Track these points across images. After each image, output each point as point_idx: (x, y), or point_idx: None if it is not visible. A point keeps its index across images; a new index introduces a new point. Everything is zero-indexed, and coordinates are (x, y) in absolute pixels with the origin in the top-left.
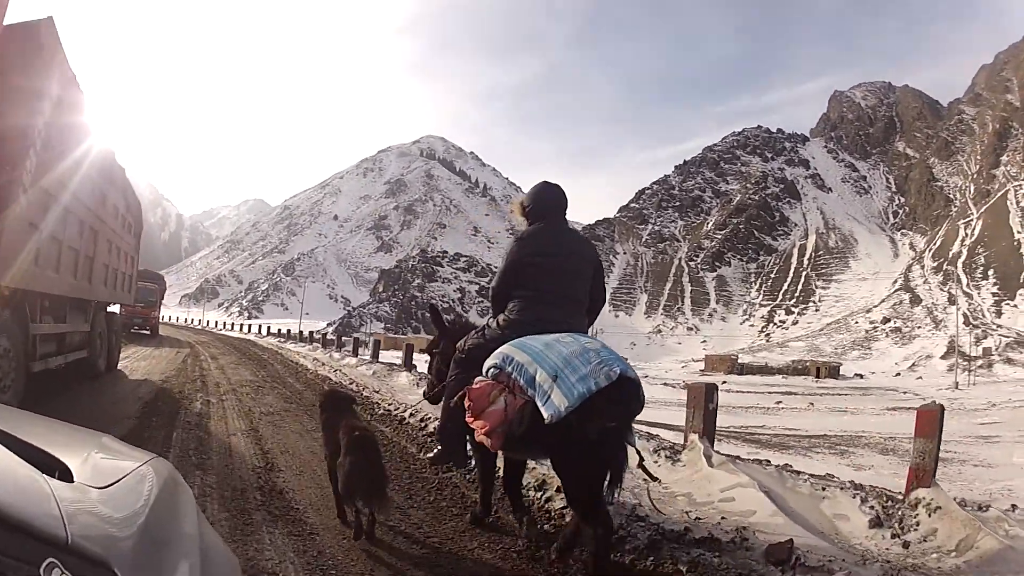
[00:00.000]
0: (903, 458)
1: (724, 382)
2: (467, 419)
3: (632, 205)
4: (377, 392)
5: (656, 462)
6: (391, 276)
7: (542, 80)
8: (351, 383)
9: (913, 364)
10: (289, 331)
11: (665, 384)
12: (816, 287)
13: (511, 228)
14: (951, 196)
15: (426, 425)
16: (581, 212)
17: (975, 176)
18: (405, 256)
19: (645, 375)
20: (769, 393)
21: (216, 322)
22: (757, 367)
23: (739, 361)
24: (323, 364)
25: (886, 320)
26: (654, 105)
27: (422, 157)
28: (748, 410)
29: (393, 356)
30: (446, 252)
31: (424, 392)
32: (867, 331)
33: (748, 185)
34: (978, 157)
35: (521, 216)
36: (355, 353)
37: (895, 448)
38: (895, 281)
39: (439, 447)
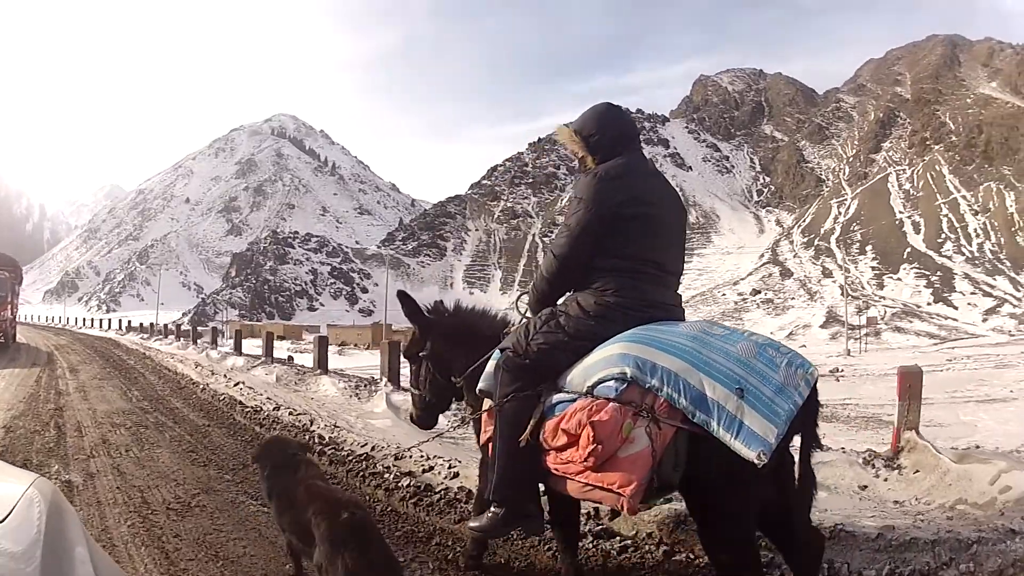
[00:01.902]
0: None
1: None
2: (549, 460)
3: (484, 182)
4: (304, 413)
5: (877, 475)
6: (243, 260)
7: (399, 54)
8: (259, 398)
9: (791, 333)
10: (152, 325)
11: None
12: None
13: (359, 207)
14: (823, 177)
15: (403, 466)
16: (430, 189)
17: (851, 159)
18: (256, 239)
19: None
20: None
21: (76, 319)
22: None
23: None
24: (206, 370)
25: (756, 292)
26: (511, 81)
27: (273, 136)
28: None
29: (254, 346)
30: (297, 233)
31: (411, 413)
32: (736, 303)
33: None
34: (856, 142)
35: (582, 150)
36: (214, 344)
37: (832, 415)
38: (762, 255)
39: (495, 509)
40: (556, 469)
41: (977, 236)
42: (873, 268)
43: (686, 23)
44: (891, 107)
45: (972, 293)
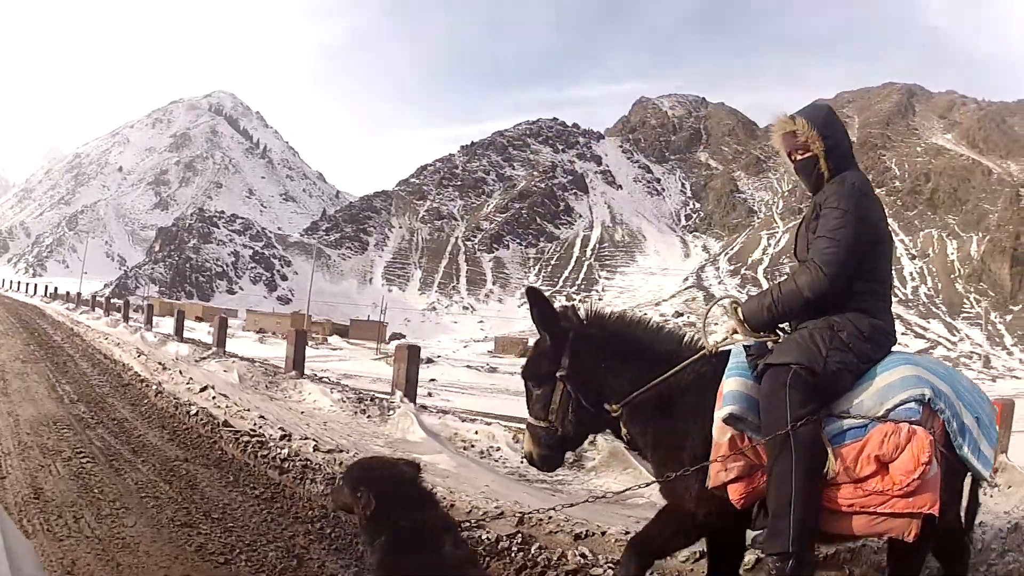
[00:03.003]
0: None
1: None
2: (841, 495)
3: (412, 180)
4: (336, 450)
5: (984, 492)
6: (168, 235)
7: (345, 45)
8: (248, 415)
9: None
10: (78, 295)
11: (469, 367)
12: (599, 277)
13: (285, 193)
14: (755, 208)
15: (555, 544)
16: (356, 182)
17: (786, 194)
18: (182, 215)
19: (439, 355)
20: None
21: (3, 281)
22: None
23: (529, 344)
24: (151, 361)
25: (679, 314)
26: (450, 83)
27: (210, 112)
28: None
29: (171, 324)
30: (223, 213)
31: (529, 452)
32: (659, 323)
33: (535, 173)
34: (793, 178)
35: (819, 150)
36: (148, 324)
37: None
38: (686, 279)
39: (792, 560)
40: (850, 504)
41: (912, 280)
42: None
43: (635, 45)
44: None
45: (903, 334)
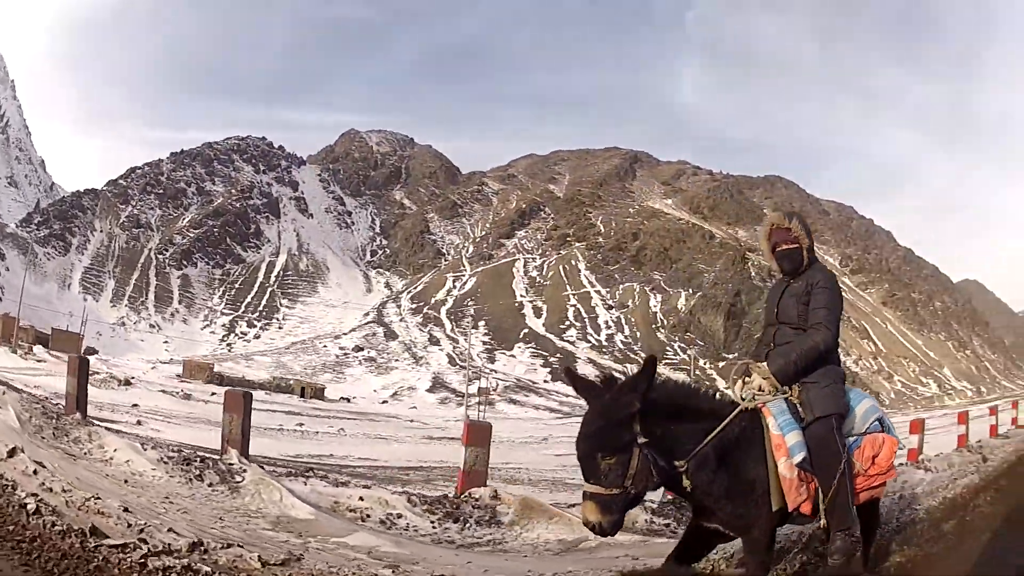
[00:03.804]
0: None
1: (213, 394)
2: (859, 481)
3: (120, 182)
4: (230, 546)
5: None
6: None
7: (105, 22)
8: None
9: (395, 393)
10: None
11: (164, 391)
12: (281, 305)
13: (11, 176)
14: (444, 251)
15: None
16: (74, 175)
17: (478, 240)
18: None
19: (133, 377)
20: (286, 413)
21: None
22: (236, 379)
23: (216, 370)
24: None
25: (359, 348)
26: (177, 84)
27: None
28: (298, 433)
29: None
30: None
31: (596, 523)
32: (338, 356)
33: (234, 191)
34: (488, 225)
35: (807, 244)
36: None
37: (514, 478)
38: (367, 314)
39: (845, 534)
40: (859, 485)
41: (608, 328)
42: (485, 343)
43: (359, 77)
44: (538, 200)
45: (597, 376)
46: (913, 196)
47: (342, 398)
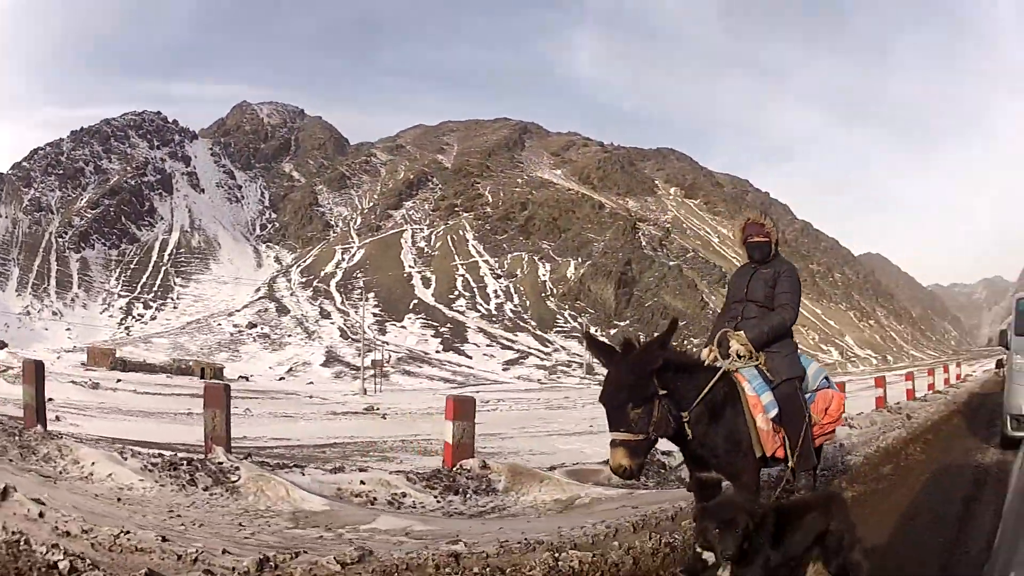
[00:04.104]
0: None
1: (119, 380)
2: (816, 429)
3: (24, 164)
4: None
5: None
6: None
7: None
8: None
9: (291, 369)
10: None
11: (73, 383)
12: (175, 284)
13: None
14: (332, 223)
15: None
16: None
17: (366, 211)
18: None
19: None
20: (191, 396)
21: None
22: (138, 364)
23: (117, 355)
24: None
25: (252, 325)
26: (86, 60)
27: None
28: (240, 416)
29: None
30: None
31: (627, 466)
32: (232, 334)
33: (129, 168)
34: (376, 196)
35: (775, 239)
36: None
37: (427, 449)
38: (258, 289)
39: (809, 472)
40: (816, 432)
41: (497, 297)
42: (376, 315)
43: (251, 50)
44: (426, 171)
45: (488, 345)
46: (813, 172)
47: (240, 377)
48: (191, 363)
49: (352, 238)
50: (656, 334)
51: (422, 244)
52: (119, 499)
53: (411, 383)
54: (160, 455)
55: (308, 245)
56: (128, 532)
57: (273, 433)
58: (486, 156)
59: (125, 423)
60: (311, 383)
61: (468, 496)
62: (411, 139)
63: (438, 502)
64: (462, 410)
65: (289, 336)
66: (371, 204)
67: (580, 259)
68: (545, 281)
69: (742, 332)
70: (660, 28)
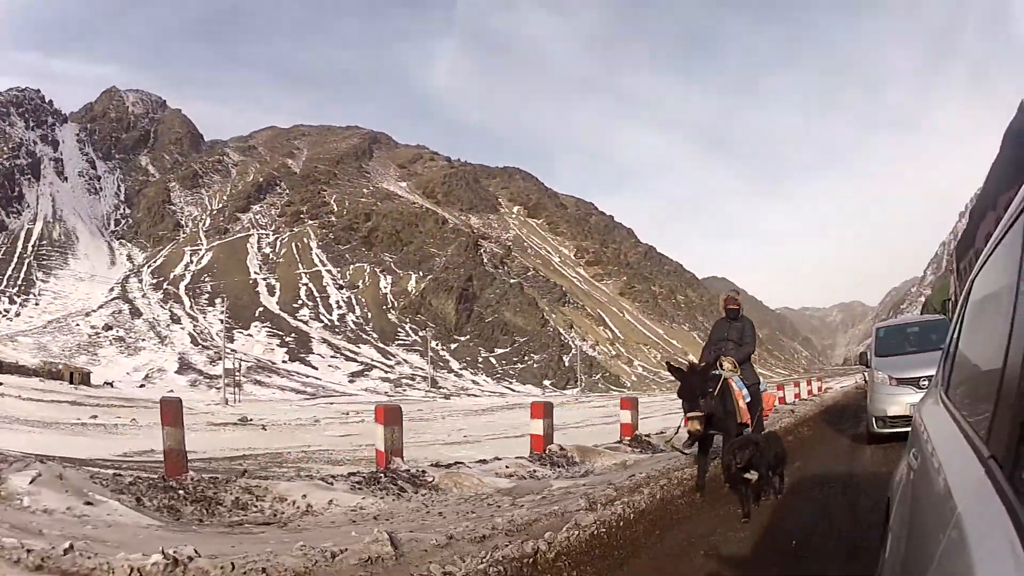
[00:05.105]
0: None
1: (1, 384)
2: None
3: None
4: None
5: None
6: None
7: None
8: None
9: (147, 375)
10: None
11: None
12: (37, 279)
13: None
14: (183, 223)
15: None
16: None
17: (215, 212)
18: None
19: None
20: (71, 403)
21: None
22: (12, 365)
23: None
24: None
25: (108, 327)
26: None
27: None
28: (102, 428)
29: None
30: None
31: (699, 431)
32: (90, 336)
33: (5, 149)
34: (225, 198)
35: (741, 307)
36: None
37: (341, 459)
38: (112, 289)
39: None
40: (764, 412)
41: (339, 307)
42: (223, 321)
43: (124, 30)
44: (275, 175)
45: (333, 356)
46: (661, 198)
47: (105, 383)
48: (60, 367)
49: (201, 239)
50: (703, 362)
51: (268, 250)
52: (353, 520)
53: (264, 393)
54: (354, 473)
55: (159, 244)
56: (452, 537)
57: (198, 445)
58: (335, 164)
59: (30, 435)
60: (171, 391)
61: (563, 467)
62: (263, 140)
63: (551, 472)
64: (391, 416)
65: (143, 340)
66: (220, 205)
67: (421, 273)
68: (387, 294)
69: (730, 357)
70: (523, 48)
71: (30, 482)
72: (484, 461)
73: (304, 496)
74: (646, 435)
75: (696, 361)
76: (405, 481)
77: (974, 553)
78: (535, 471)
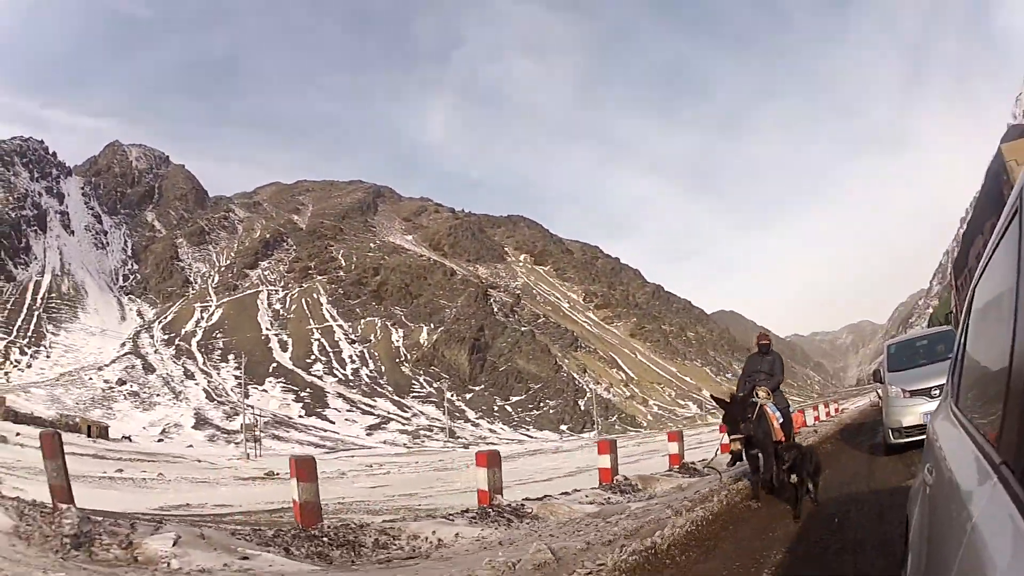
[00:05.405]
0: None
1: (18, 434)
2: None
3: None
4: None
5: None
6: None
7: None
8: None
9: (164, 430)
10: None
11: None
12: (47, 332)
13: None
14: (191, 279)
15: None
16: None
17: (223, 269)
18: None
19: None
20: (94, 457)
21: None
22: (28, 416)
23: (7, 406)
24: None
25: (122, 382)
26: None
27: None
28: (131, 482)
29: None
30: None
31: (742, 451)
32: (104, 390)
33: (11, 199)
34: (233, 254)
35: (771, 343)
36: None
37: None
38: (124, 344)
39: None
40: (793, 431)
41: (353, 362)
42: (236, 377)
43: (124, 84)
44: (282, 231)
45: (349, 410)
46: (664, 237)
47: (124, 437)
48: (77, 420)
49: (210, 296)
50: (741, 392)
51: (278, 306)
52: (484, 547)
53: (283, 448)
54: (469, 510)
55: (168, 300)
56: (589, 543)
57: (215, 500)
58: (340, 219)
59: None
60: (190, 446)
61: (629, 493)
62: (268, 196)
63: (622, 497)
64: (306, 471)
65: (157, 396)
66: (228, 261)
67: (432, 325)
68: (399, 347)
69: (764, 386)
70: (513, 98)
71: (172, 545)
72: (567, 493)
73: (434, 532)
74: (691, 463)
75: (735, 392)
76: (510, 513)
77: (991, 561)
78: (609, 497)
